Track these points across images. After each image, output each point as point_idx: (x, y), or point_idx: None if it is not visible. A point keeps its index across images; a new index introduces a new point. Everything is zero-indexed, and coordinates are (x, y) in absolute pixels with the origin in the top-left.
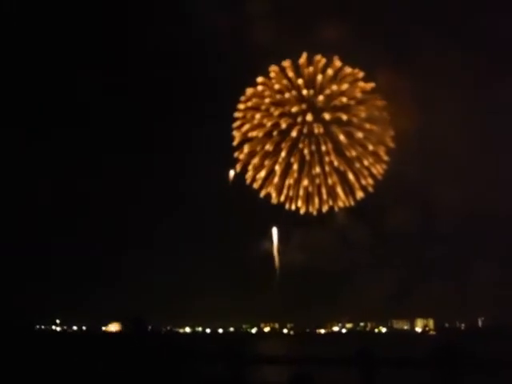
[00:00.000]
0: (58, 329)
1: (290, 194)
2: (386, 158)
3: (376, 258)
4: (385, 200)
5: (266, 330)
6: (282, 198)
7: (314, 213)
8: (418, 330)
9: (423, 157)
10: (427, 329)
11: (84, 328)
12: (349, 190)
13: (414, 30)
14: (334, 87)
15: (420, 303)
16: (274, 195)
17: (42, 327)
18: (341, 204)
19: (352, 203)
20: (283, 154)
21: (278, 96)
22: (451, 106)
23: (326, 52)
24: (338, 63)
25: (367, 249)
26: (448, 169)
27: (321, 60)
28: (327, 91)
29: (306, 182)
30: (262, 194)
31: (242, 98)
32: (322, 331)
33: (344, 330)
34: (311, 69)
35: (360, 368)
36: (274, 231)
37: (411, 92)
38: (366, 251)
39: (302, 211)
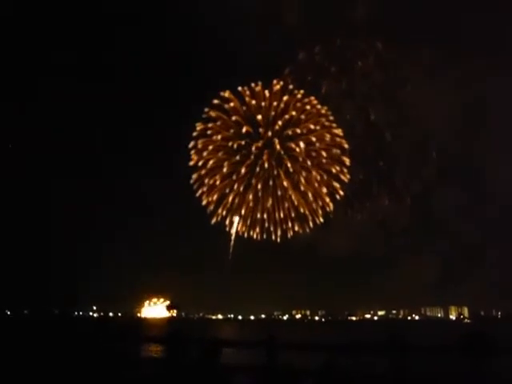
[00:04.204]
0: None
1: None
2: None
3: (412, 244)
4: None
5: (298, 316)
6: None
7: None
8: (452, 317)
9: (469, 140)
10: (462, 317)
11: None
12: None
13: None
14: None
15: (454, 291)
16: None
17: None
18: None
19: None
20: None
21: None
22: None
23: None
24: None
25: (404, 235)
26: (495, 153)
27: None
28: None
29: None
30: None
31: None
32: (354, 318)
33: (376, 318)
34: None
35: (389, 355)
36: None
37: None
38: (404, 237)
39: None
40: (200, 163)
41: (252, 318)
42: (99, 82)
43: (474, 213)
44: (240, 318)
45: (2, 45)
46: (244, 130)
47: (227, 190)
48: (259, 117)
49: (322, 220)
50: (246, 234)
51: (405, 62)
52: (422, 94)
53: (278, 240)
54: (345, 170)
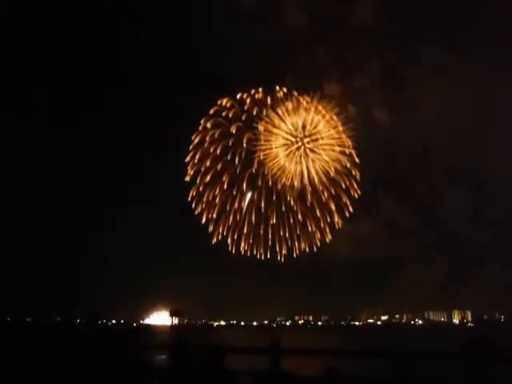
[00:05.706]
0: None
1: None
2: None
3: (415, 248)
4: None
5: (300, 322)
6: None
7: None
8: (456, 321)
9: (474, 143)
10: (465, 321)
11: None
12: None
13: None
14: None
15: (458, 295)
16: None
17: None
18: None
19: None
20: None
21: None
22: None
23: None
24: None
25: (407, 239)
26: (500, 154)
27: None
28: None
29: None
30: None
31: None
32: (357, 323)
33: (379, 322)
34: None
35: (394, 361)
36: None
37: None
38: (407, 241)
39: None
40: (198, 178)
41: (255, 323)
42: (99, 83)
43: (478, 214)
44: (242, 323)
45: (3, 45)
46: (245, 139)
47: (228, 207)
48: (261, 126)
49: (330, 237)
50: (248, 253)
51: (406, 62)
52: (422, 94)
53: (283, 260)
54: (355, 185)
